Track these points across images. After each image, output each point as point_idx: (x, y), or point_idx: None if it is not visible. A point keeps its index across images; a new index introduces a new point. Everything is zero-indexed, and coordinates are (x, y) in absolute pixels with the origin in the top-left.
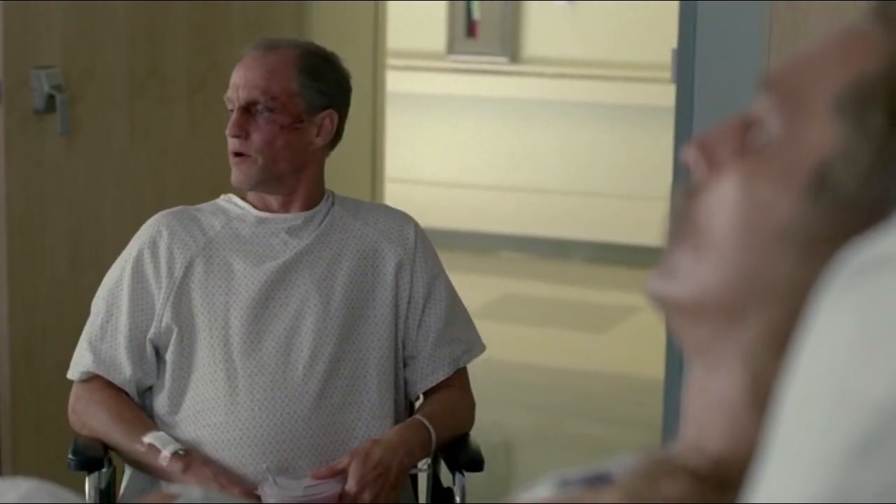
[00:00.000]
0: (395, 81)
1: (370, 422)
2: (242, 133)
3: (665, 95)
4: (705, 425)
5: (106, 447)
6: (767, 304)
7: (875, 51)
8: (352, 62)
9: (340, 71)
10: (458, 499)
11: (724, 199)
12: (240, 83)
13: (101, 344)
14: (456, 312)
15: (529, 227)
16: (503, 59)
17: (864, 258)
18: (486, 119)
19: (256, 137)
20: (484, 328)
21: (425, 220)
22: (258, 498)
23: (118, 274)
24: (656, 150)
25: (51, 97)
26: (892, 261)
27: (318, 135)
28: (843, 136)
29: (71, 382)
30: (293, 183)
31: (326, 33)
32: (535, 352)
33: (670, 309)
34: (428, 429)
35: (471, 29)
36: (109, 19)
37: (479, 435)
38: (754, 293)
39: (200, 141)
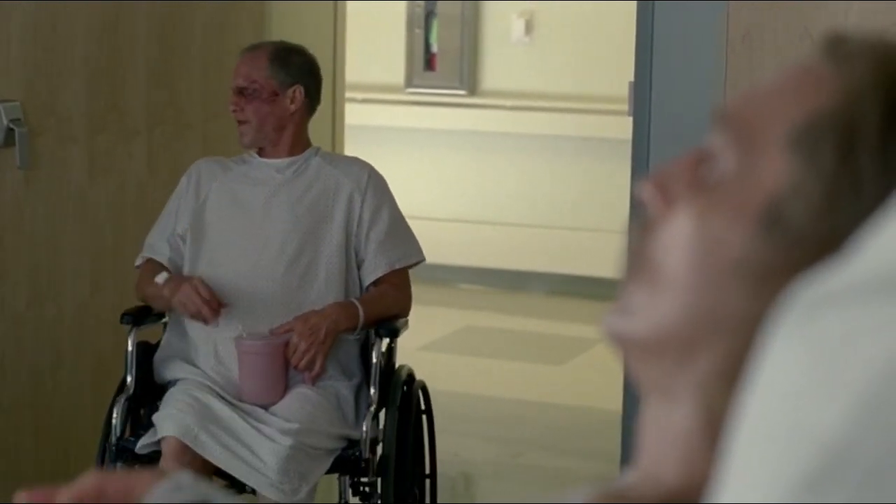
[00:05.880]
0: (354, 114)
1: (316, 301)
2: (238, 108)
3: (623, 128)
4: (660, 457)
5: (149, 311)
6: (721, 338)
7: (827, 88)
8: None
9: (306, 57)
10: (374, 358)
11: (678, 234)
12: (235, 75)
13: (152, 239)
14: (398, 232)
15: (489, 260)
16: (462, 92)
17: (815, 293)
18: (445, 151)
19: (248, 108)
20: (443, 360)
21: None
22: (218, 313)
23: (171, 197)
24: (615, 182)
25: (10, 131)
26: (843, 297)
27: (291, 103)
28: (795, 171)
29: (28, 422)
30: (277, 138)
31: None
32: (494, 384)
33: (626, 346)
34: (356, 306)
35: (429, 62)
36: (69, 54)
37: (438, 467)
38: (708, 327)
39: (159, 175)
